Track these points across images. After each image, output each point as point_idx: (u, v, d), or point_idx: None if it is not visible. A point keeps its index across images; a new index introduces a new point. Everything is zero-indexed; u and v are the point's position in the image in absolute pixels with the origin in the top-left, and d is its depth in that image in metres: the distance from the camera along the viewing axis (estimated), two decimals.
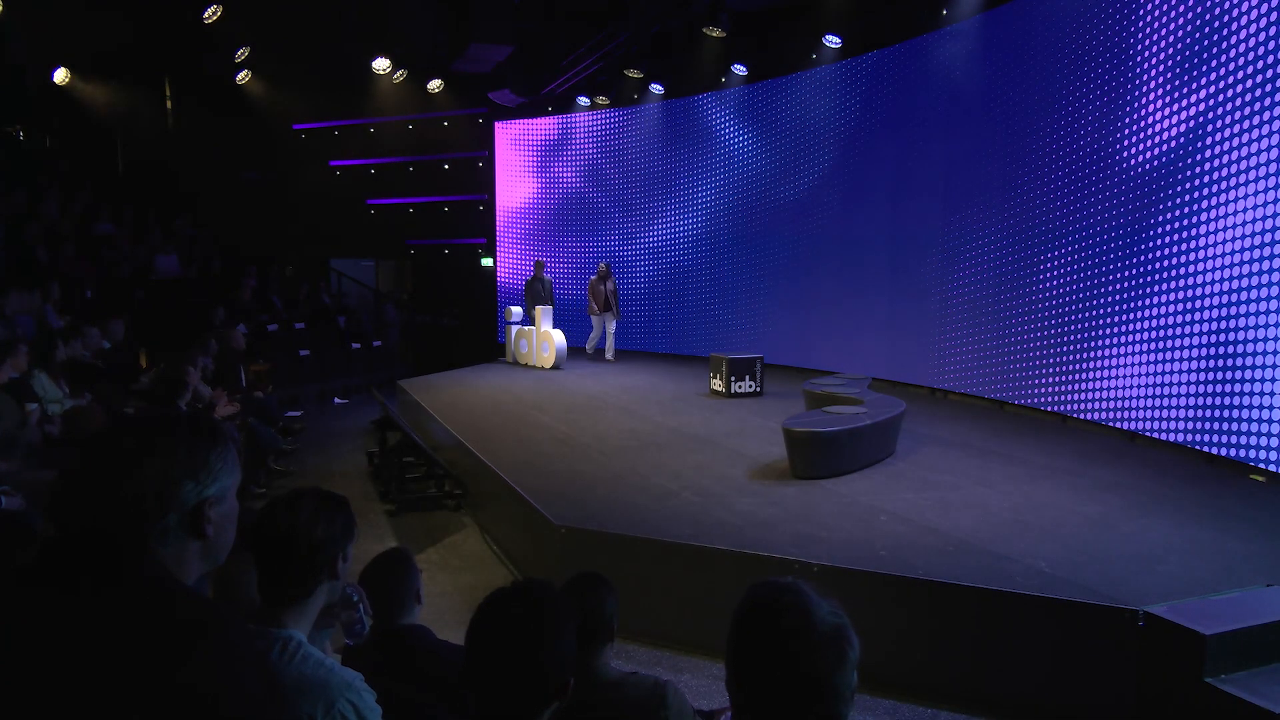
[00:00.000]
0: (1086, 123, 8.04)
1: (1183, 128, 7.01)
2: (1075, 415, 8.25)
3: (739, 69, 12.59)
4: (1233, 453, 6.53)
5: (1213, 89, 6.72)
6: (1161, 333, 7.26)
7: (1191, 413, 6.96)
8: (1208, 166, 6.77)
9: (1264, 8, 6.29)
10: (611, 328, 13.15)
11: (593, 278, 13.13)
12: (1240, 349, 6.50)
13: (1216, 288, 6.70)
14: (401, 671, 2.47)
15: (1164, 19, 7.22)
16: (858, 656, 1.40)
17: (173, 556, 1.31)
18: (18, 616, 1.20)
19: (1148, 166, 7.37)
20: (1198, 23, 6.88)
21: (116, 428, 1.39)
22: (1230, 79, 6.57)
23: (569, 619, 1.71)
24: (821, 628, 1.38)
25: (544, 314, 12.70)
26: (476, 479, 7.16)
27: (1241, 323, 6.48)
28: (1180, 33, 7.04)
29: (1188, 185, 6.96)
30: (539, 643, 1.63)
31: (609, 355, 13.19)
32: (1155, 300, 7.32)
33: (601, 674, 2.34)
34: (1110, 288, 7.82)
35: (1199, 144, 6.85)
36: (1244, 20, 6.46)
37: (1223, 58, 6.64)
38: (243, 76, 15.14)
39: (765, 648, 1.39)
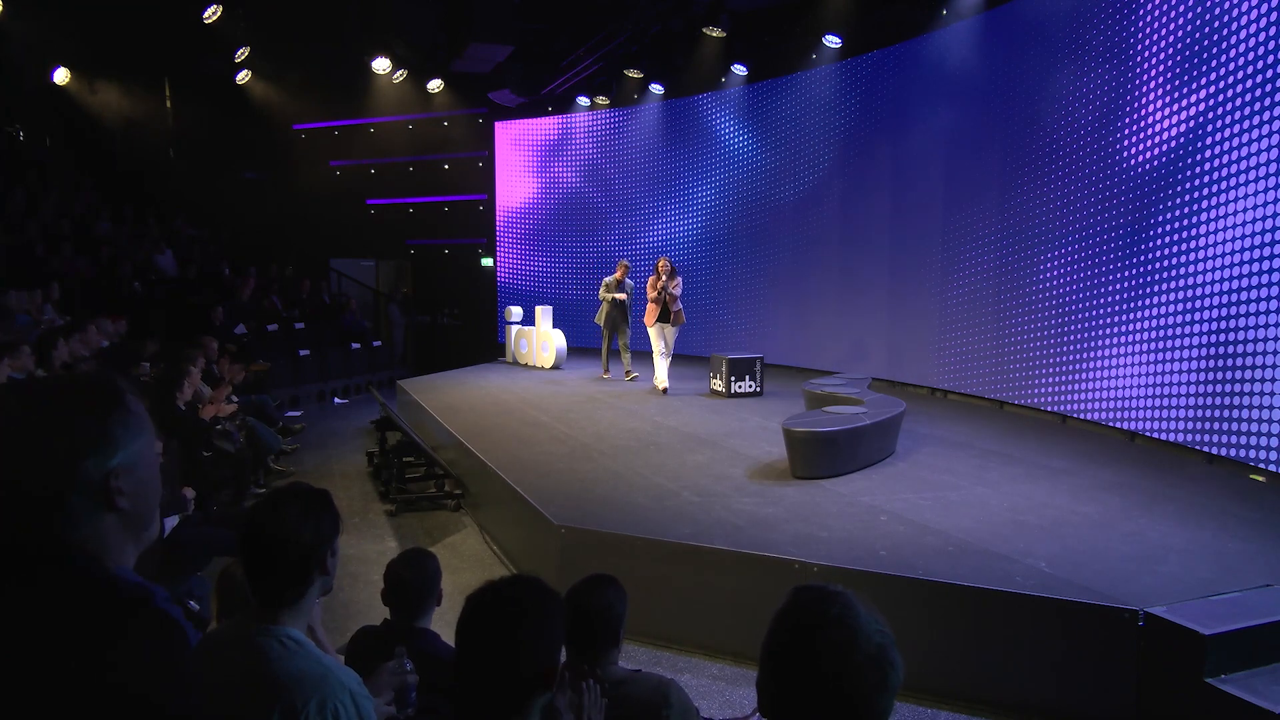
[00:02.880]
0: (1086, 123, 8.04)
1: (1183, 128, 7.01)
2: (1075, 415, 8.25)
3: (739, 69, 12.59)
4: (1233, 453, 6.53)
5: (1213, 89, 6.72)
6: (1161, 333, 7.26)
7: (1192, 413, 6.95)
8: (1208, 166, 6.77)
9: (1264, 8, 6.29)
10: (671, 342, 10.27)
11: (651, 276, 10.25)
12: (1240, 349, 6.50)
13: (1216, 288, 6.70)
14: None
15: (1164, 19, 7.22)
16: (900, 680, 1.33)
17: (91, 538, 1.19)
18: None
19: (1148, 166, 7.37)
20: (1198, 23, 6.88)
21: None
22: (1230, 79, 6.57)
23: (553, 611, 1.74)
24: (866, 647, 1.30)
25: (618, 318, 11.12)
26: (476, 479, 7.16)
27: (1241, 323, 6.48)
28: (1180, 33, 7.04)
29: (1188, 185, 6.95)
30: (519, 635, 1.67)
31: (662, 383, 10.24)
32: (1155, 300, 7.32)
33: (607, 672, 2.37)
34: (1110, 288, 7.82)
35: (1199, 144, 6.85)
36: (1244, 20, 6.46)
37: (1223, 58, 6.64)
38: (243, 76, 15.13)
39: (804, 659, 1.32)
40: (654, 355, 10.33)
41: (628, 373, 11.27)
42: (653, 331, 10.25)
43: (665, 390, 10.16)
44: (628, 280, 11.18)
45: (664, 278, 10.00)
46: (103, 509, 1.20)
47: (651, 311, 10.17)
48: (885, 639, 1.33)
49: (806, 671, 1.31)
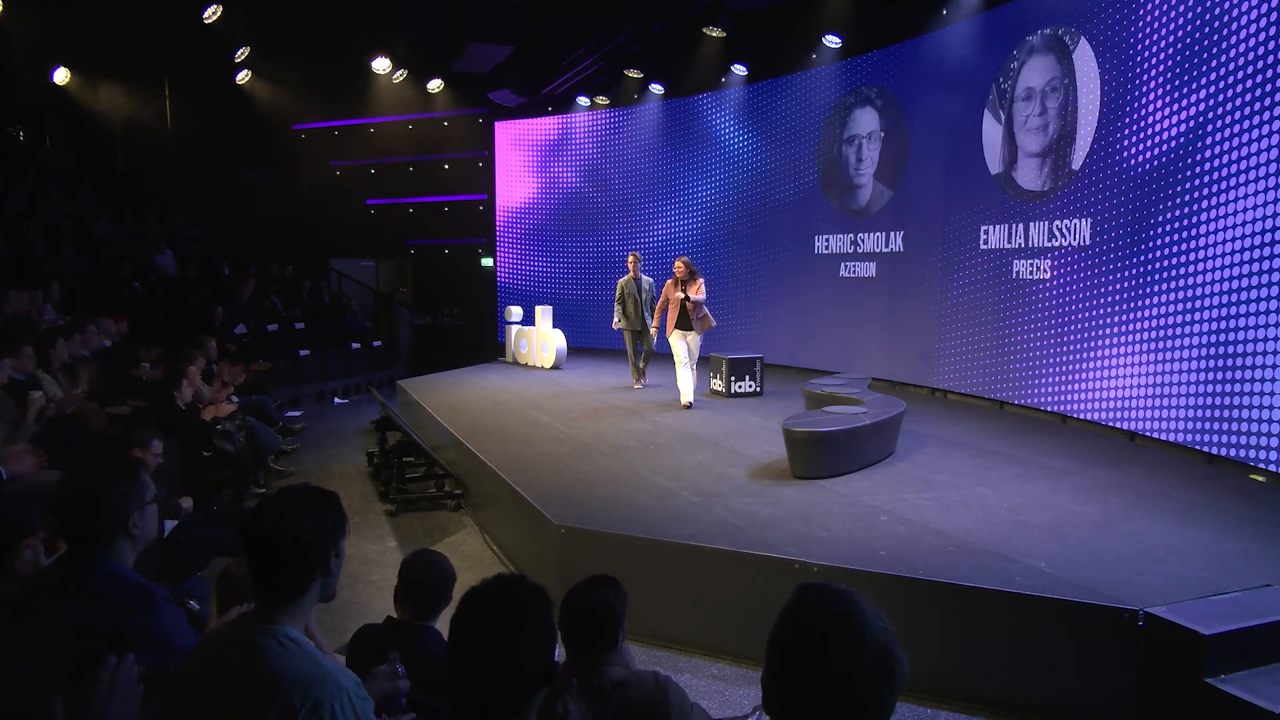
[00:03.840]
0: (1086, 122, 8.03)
1: (1183, 128, 7.01)
2: (1075, 415, 8.25)
3: (739, 69, 12.59)
4: (1233, 453, 6.53)
5: (1213, 89, 6.72)
6: (1161, 333, 7.26)
7: (1192, 413, 6.95)
8: (1208, 166, 6.76)
9: (1264, 8, 6.29)
10: (695, 351, 9.30)
11: (669, 280, 9.31)
12: (1240, 349, 6.49)
13: (1216, 288, 6.70)
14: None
15: (1164, 19, 7.22)
16: (906, 677, 1.34)
17: None
18: None
19: (1148, 166, 7.37)
20: (1198, 23, 6.88)
21: None
22: (1230, 79, 6.56)
23: (547, 609, 1.74)
24: (872, 644, 1.32)
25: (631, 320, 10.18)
26: (476, 479, 7.16)
27: (1241, 323, 6.48)
28: (1180, 33, 7.04)
29: (1188, 185, 6.95)
30: (520, 636, 1.66)
31: (687, 397, 9.16)
32: (1155, 300, 7.32)
33: (605, 674, 2.37)
34: (1110, 288, 7.81)
35: (1199, 144, 6.85)
36: (1244, 20, 6.46)
37: (1223, 58, 6.63)
38: (243, 76, 15.13)
39: (810, 656, 1.33)
40: (676, 365, 9.33)
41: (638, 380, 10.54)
42: (672, 339, 9.31)
43: (689, 405, 9.08)
44: (644, 277, 10.26)
45: (680, 284, 9.13)
46: None
47: (670, 319, 9.28)
48: (889, 636, 1.35)
49: (813, 668, 1.32)
